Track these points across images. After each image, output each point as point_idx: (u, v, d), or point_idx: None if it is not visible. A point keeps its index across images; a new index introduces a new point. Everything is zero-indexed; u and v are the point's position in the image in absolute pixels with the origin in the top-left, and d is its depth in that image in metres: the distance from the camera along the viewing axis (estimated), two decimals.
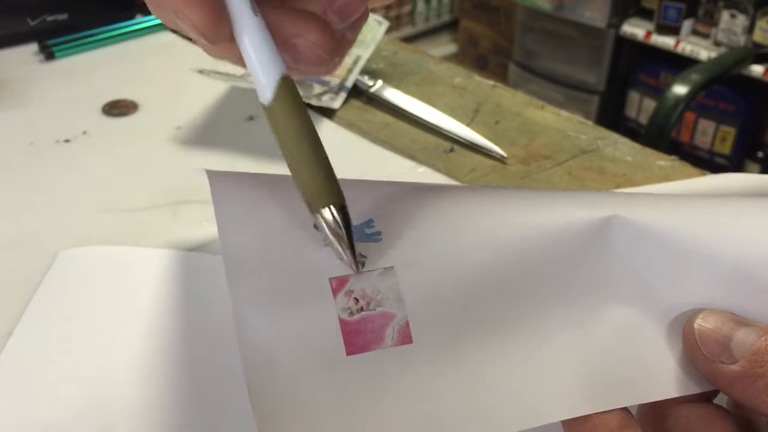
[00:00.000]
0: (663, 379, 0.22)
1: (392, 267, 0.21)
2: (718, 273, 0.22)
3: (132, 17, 0.65)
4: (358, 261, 0.21)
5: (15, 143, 0.49)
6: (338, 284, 0.21)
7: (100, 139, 0.50)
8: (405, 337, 0.21)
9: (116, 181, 0.45)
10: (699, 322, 0.21)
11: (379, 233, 0.22)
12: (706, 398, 0.22)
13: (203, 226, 0.41)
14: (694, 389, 0.21)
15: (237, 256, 0.22)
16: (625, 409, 0.21)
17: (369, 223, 0.23)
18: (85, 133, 0.50)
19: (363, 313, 0.21)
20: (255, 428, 0.20)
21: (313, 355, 0.20)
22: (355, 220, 0.22)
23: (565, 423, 0.22)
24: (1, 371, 0.32)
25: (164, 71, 0.59)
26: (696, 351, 0.21)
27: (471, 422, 0.21)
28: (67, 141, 0.49)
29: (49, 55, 0.60)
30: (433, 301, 0.21)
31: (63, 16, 0.60)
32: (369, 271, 0.21)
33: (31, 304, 0.35)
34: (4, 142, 0.49)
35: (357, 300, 0.21)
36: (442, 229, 0.23)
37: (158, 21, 0.66)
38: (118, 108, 0.53)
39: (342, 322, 0.21)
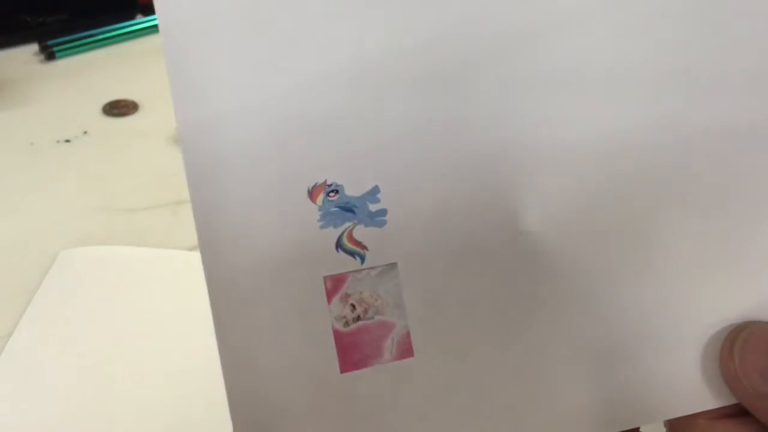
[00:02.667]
0: (686, 395, 0.19)
1: (395, 264, 0.18)
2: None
3: (132, 17, 0.65)
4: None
5: (15, 143, 0.49)
6: (333, 285, 0.18)
7: (101, 139, 0.50)
8: (405, 350, 0.18)
9: (116, 181, 0.45)
10: (737, 350, 0.19)
11: (384, 212, 0.18)
12: (743, 412, 0.20)
13: None
14: (722, 402, 0.19)
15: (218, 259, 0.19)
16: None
17: (374, 193, 0.18)
18: (85, 133, 0.50)
19: (360, 322, 0.18)
20: None
21: (302, 374, 0.18)
22: (360, 189, 0.18)
23: None
24: (1, 371, 0.32)
25: (165, 71, 0.59)
26: (736, 383, 0.19)
27: None
28: (67, 141, 0.49)
29: (49, 55, 0.60)
30: (439, 306, 0.19)
31: (63, 16, 0.60)
32: (369, 269, 0.18)
33: (31, 304, 0.35)
34: (5, 142, 0.49)
35: (354, 307, 0.18)
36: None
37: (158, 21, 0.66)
38: (119, 108, 0.53)
39: (336, 333, 0.18)
